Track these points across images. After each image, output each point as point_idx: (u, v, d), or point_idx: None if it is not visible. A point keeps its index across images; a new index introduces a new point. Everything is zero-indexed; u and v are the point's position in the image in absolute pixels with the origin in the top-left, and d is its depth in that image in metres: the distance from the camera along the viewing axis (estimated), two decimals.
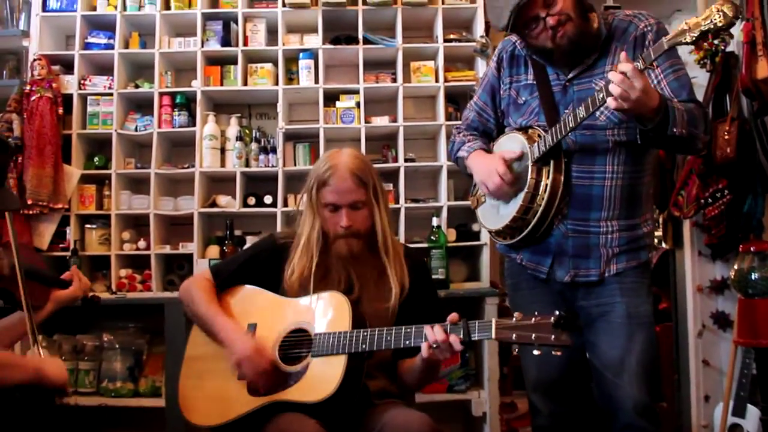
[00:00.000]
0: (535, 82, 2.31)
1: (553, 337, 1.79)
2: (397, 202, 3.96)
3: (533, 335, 1.81)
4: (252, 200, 3.98)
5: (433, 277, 3.72)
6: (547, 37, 2.17)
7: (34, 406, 1.86)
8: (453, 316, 1.99)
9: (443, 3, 4.12)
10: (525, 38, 2.26)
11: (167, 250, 3.97)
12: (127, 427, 3.90)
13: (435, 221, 3.87)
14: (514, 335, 1.84)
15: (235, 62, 4.08)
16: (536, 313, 1.87)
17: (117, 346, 3.87)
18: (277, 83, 4.06)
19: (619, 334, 2.21)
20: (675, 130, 2.01)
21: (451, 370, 3.69)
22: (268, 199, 3.99)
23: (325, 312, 2.15)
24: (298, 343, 2.18)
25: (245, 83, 4.08)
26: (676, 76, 2.19)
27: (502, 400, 3.80)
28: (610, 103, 1.97)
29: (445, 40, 4.10)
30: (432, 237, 3.84)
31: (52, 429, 1.97)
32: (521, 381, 2.53)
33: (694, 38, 1.84)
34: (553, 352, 1.83)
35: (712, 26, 1.80)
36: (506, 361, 4.31)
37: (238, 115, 4.16)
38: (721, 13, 1.78)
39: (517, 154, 2.26)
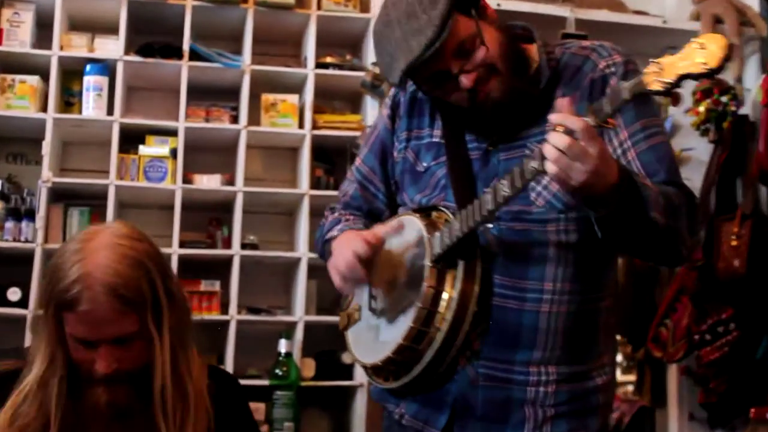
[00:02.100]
0: (443, 142, 2.26)
1: None
2: (225, 311, 3.72)
3: None
4: None
5: None
6: (463, 98, 2.13)
7: None
8: None
9: (319, 8, 3.97)
10: (429, 94, 2.23)
11: None
12: None
13: (283, 345, 3.66)
14: None
15: None
16: None
17: None
18: (45, 109, 3.80)
19: None
20: (653, 213, 1.94)
21: None
22: (14, 294, 3.64)
23: None
24: None
25: None
26: (651, 144, 2.11)
27: None
28: (550, 169, 1.85)
29: (319, 65, 3.98)
30: (277, 370, 3.61)
31: None
32: None
33: (667, 86, 1.79)
34: None
35: (693, 70, 1.77)
36: None
37: None
38: (704, 51, 1.78)
39: (394, 227, 2.21)
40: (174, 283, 2.08)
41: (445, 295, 2.10)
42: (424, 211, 2.20)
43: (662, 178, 2.08)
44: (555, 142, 1.82)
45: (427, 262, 2.10)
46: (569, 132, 1.81)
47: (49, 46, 3.83)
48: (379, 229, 2.20)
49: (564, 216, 2.11)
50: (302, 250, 3.80)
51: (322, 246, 2.42)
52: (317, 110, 3.96)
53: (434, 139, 2.28)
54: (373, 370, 2.25)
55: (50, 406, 2.01)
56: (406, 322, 2.12)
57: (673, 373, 4.06)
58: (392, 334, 2.16)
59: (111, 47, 3.88)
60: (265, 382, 3.60)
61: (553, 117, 1.86)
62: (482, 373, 2.13)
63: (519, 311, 2.12)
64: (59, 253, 2.04)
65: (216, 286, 3.76)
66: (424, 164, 2.28)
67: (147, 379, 2.02)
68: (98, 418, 2.03)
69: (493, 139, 2.20)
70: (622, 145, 2.13)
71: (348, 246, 2.19)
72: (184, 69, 3.84)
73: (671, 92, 1.81)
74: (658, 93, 1.83)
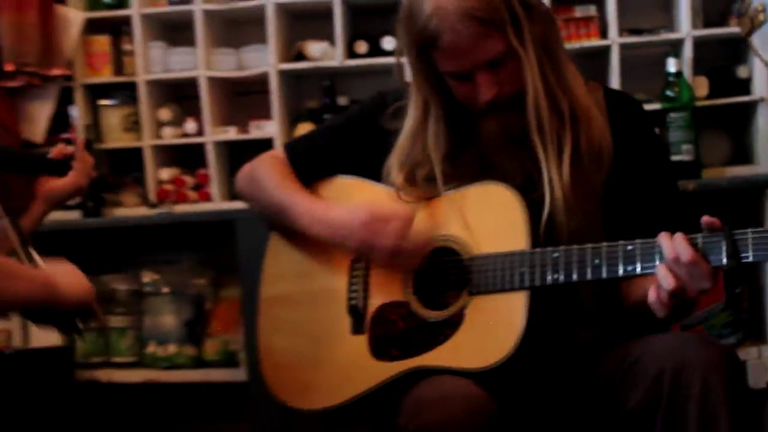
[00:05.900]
0: None
1: None
2: (604, 35, 3.65)
3: None
4: (362, 46, 3.72)
5: (677, 158, 3.47)
6: None
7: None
8: (708, 219, 1.84)
9: None
10: None
11: (231, 134, 3.76)
12: (189, 415, 3.89)
13: (672, 65, 3.52)
14: None
15: None
16: None
17: (166, 290, 3.82)
18: None
19: None
20: None
21: (710, 311, 3.17)
22: (388, 43, 3.68)
23: (483, 218, 2.10)
24: (444, 274, 2.13)
25: None
26: None
27: None
28: None
29: None
30: (668, 92, 3.51)
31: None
32: None
33: None
34: None
35: None
36: None
37: None
38: None
39: None
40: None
41: None
42: None
43: None
44: None
45: None
46: None
47: None
48: None
49: None
50: None
51: None
52: None
53: None
54: None
55: (428, 145, 2.15)
56: None
57: None
58: None
59: None
60: (657, 106, 3.53)
61: None
62: None
63: None
64: (405, 3, 2.11)
65: (592, 10, 3.65)
66: None
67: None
68: (497, 144, 2.13)
69: None
70: None
71: None
72: None
73: None
74: None
